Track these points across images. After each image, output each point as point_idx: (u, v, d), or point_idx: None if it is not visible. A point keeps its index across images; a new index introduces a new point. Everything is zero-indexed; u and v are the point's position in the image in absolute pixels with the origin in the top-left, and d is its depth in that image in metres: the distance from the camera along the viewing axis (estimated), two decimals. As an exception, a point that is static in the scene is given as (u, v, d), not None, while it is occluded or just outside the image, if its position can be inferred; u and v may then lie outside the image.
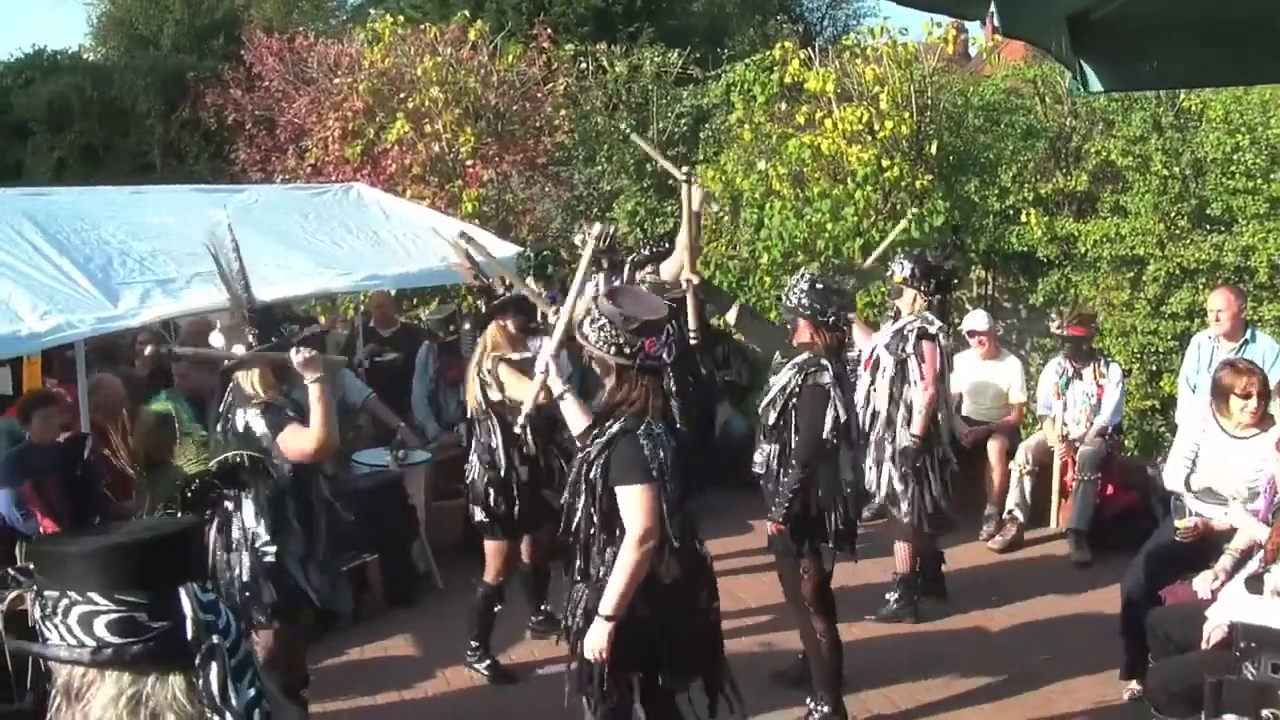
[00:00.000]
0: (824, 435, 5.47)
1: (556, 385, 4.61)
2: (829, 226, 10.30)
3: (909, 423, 6.74)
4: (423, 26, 13.81)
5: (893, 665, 6.38)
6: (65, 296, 7.00)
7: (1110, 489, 8.22)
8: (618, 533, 4.05)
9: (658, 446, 3.98)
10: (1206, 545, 5.66)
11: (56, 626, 1.78)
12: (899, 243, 8.65)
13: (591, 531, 4.16)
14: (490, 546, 6.45)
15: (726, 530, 8.08)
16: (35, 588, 1.85)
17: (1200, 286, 9.84)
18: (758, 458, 5.79)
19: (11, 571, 6.07)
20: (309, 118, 13.85)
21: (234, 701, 1.76)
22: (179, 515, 4.56)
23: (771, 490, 5.65)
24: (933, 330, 6.74)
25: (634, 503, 3.98)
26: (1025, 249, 10.77)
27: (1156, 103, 10.45)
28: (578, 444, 4.38)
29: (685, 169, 6.76)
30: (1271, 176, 9.88)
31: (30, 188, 10.55)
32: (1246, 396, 5.84)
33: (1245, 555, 5.37)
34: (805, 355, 5.61)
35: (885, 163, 10.46)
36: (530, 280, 9.05)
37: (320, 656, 6.64)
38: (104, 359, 9.39)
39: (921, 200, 10.53)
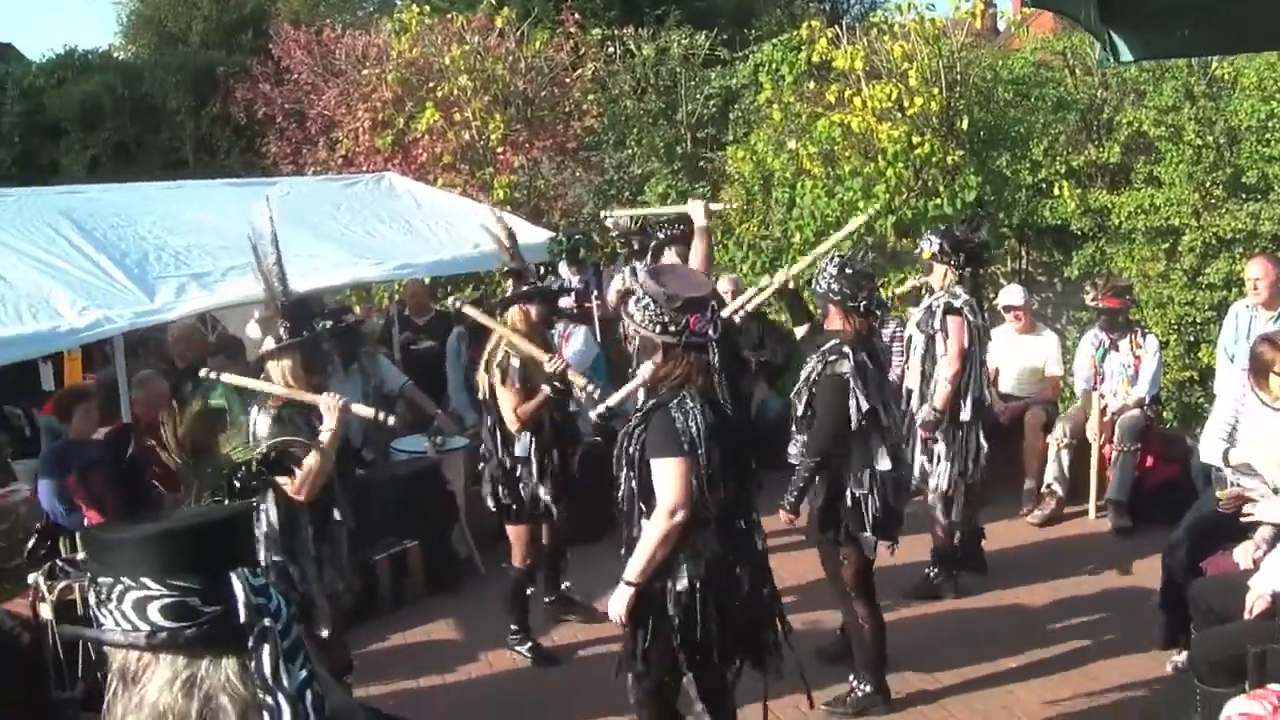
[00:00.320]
0: (842, 424, 5.41)
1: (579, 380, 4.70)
2: (861, 205, 10.26)
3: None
4: (449, 15, 13.86)
5: (935, 642, 6.38)
6: (103, 292, 7.09)
7: (1150, 460, 8.18)
8: (655, 505, 4.07)
9: (689, 419, 3.99)
10: (1247, 518, 5.61)
11: (111, 612, 1.81)
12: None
13: (635, 504, 4.18)
14: (512, 531, 6.51)
15: (762, 510, 8.05)
16: (89, 574, 1.88)
17: (1237, 256, 9.74)
18: (792, 449, 5.78)
19: (59, 563, 6.17)
20: (339, 109, 13.93)
21: (286, 683, 1.78)
22: (227, 503, 4.60)
23: None
24: (958, 304, 6.71)
25: (664, 475, 4.01)
26: (1059, 222, 10.70)
27: (1188, 71, 10.35)
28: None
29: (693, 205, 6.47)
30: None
31: (66, 186, 10.65)
32: None
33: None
34: (831, 342, 5.55)
35: (916, 139, 10.42)
36: (563, 264, 9.13)
37: (363, 642, 6.71)
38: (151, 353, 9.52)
39: (953, 176, 10.48)
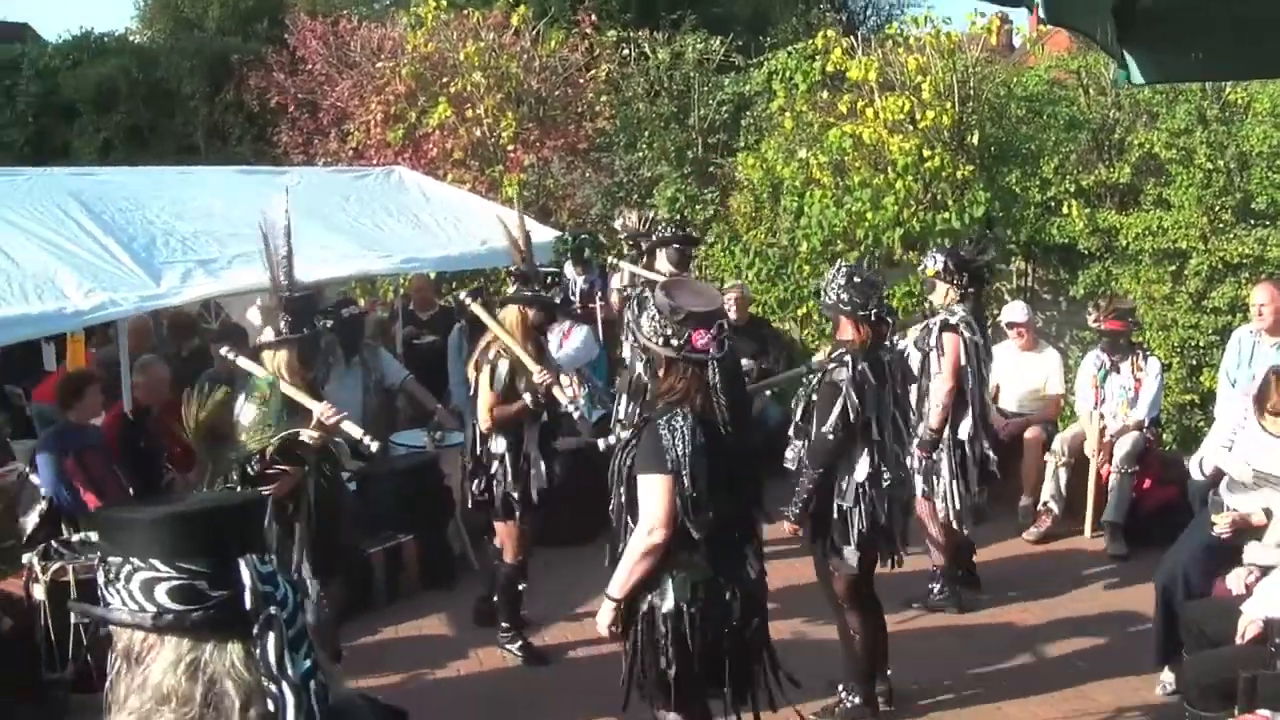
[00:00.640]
0: (828, 432, 5.38)
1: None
2: (869, 216, 10.29)
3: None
4: (465, 11, 13.86)
5: (931, 656, 6.39)
6: (109, 275, 7.11)
7: (1148, 483, 8.17)
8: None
9: (676, 437, 3.94)
10: (1242, 540, 5.63)
11: (119, 592, 1.82)
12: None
13: (623, 518, 4.17)
14: (501, 528, 6.52)
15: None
16: (99, 553, 1.90)
17: (1243, 281, 9.74)
18: (789, 454, 5.75)
19: (54, 544, 6.19)
20: (351, 101, 13.95)
21: (290, 671, 1.79)
22: (239, 490, 4.63)
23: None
24: (954, 322, 6.71)
25: (646, 491, 3.98)
26: (1066, 241, 10.71)
27: (1201, 95, 10.36)
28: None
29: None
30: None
31: (77, 168, 10.67)
32: None
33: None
34: (838, 351, 5.50)
35: (926, 152, 10.43)
36: (569, 265, 9.15)
37: (355, 635, 6.72)
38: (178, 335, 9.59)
39: (962, 191, 10.50)
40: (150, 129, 22.32)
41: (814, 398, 5.55)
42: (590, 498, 6.07)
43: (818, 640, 6.24)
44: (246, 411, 5.09)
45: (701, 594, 4.03)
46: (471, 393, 6.49)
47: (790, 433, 5.77)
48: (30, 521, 6.69)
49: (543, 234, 9.50)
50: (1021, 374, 8.85)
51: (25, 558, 6.13)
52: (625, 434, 4.65)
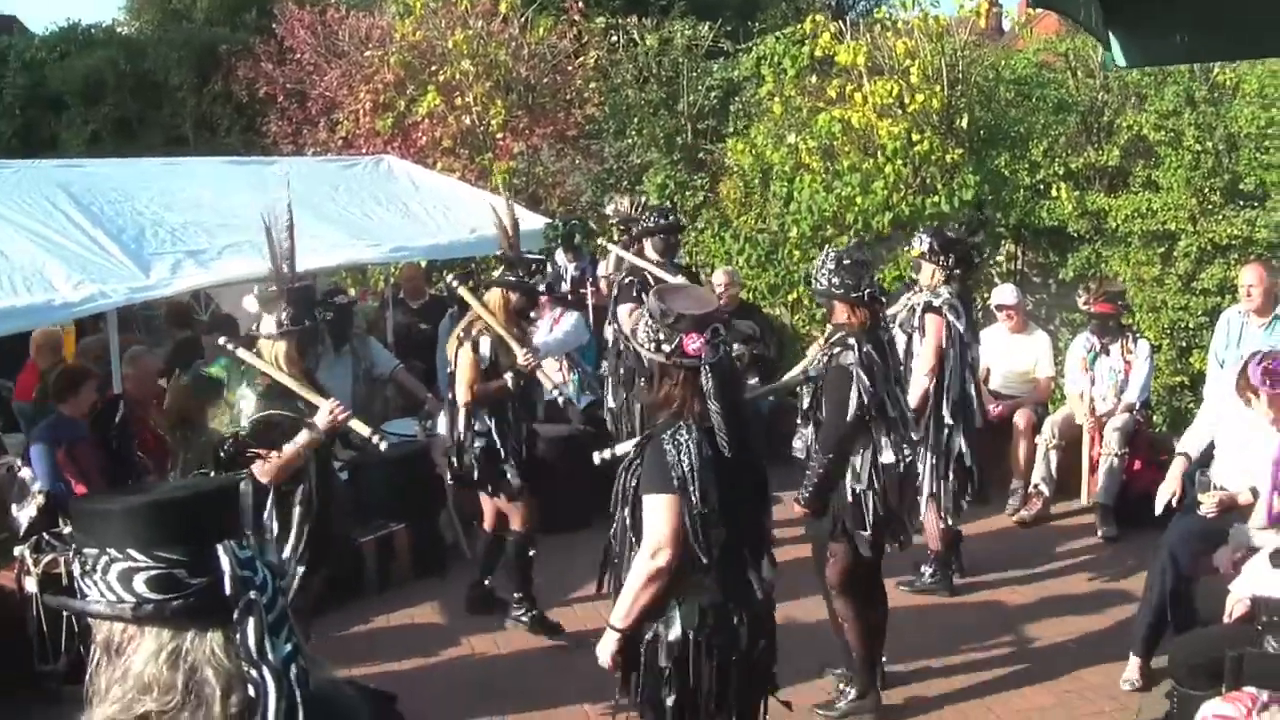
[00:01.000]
0: (849, 417, 5.31)
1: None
2: (858, 200, 10.28)
3: None
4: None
5: (921, 639, 6.39)
6: (98, 267, 7.11)
7: (1138, 465, 8.19)
8: None
9: (682, 452, 3.71)
10: (1231, 519, 5.65)
11: (96, 583, 1.81)
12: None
13: (627, 541, 3.94)
14: (504, 506, 6.58)
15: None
16: (74, 545, 1.89)
17: (1232, 262, 9.75)
18: (797, 443, 5.68)
19: (46, 536, 6.19)
20: (340, 90, 13.92)
21: (271, 656, 1.79)
22: (213, 475, 4.62)
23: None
24: (937, 303, 6.71)
25: (650, 512, 3.76)
26: (1055, 224, 10.70)
27: (1190, 77, 10.36)
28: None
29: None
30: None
31: (65, 160, 10.65)
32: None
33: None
34: (838, 335, 5.46)
35: (915, 136, 10.42)
36: (559, 251, 9.16)
37: (347, 624, 6.74)
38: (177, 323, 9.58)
39: (952, 174, 10.49)
40: (138, 120, 22.28)
41: (820, 384, 5.48)
42: (581, 484, 6.11)
43: (807, 624, 6.23)
44: (246, 401, 5.11)
45: (710, 620, 3.80)
46: (450, 369, 6.52)
47: (798, 421, 5.70)
48: (27, 514, 6.68)
49: (532, 221, 9.50)
50: (1011, 357, 8.86)
51: (17, 550, 6.14)
52: (621, 450, 4.41)
